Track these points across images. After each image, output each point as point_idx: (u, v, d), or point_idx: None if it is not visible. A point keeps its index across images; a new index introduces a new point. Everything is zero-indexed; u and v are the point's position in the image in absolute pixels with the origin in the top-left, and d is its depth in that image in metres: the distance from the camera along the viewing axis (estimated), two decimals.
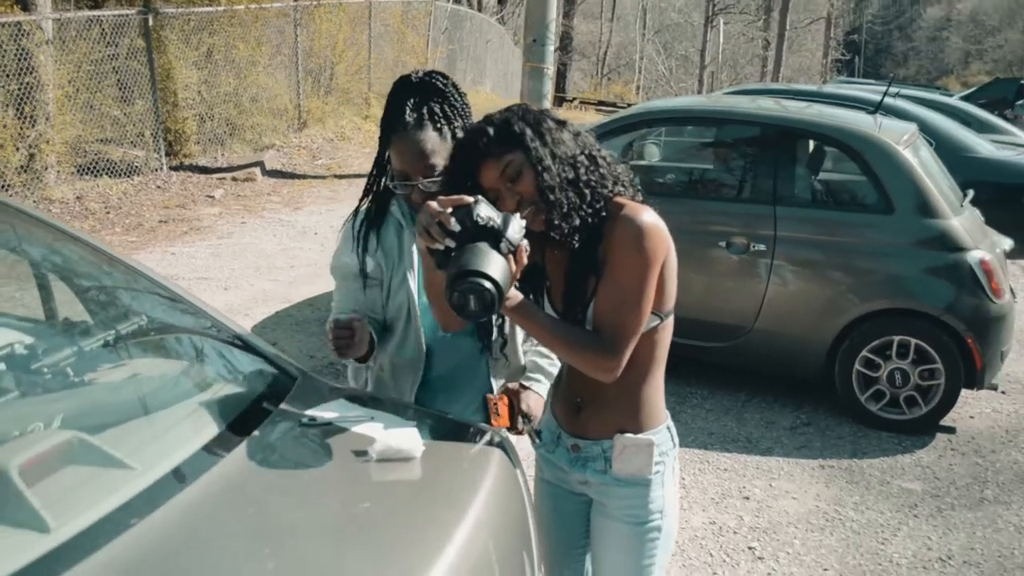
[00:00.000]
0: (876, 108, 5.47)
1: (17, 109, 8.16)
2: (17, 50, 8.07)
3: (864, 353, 4.61)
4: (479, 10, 25.54)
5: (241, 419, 1.72)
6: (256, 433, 1.67)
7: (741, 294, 4.85)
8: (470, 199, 1.59)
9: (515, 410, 2.11)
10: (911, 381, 4.56)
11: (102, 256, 2.18)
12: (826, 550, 3.56)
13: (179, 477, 1.49)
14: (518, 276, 1.63)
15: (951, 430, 4.71)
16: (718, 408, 4.88)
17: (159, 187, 9.47)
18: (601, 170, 1.75)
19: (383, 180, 2.11)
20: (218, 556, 1.35)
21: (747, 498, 3.94)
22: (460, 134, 2.00)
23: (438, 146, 1.98)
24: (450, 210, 1.58)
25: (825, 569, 3.43)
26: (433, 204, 1.59)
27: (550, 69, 7.97)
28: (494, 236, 1.57)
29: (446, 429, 1.84)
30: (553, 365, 2.24)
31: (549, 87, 8.01)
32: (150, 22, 9.52)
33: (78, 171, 9.11)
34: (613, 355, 1.72)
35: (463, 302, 1.54)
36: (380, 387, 2.17)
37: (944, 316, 4.46)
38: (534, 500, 2.01)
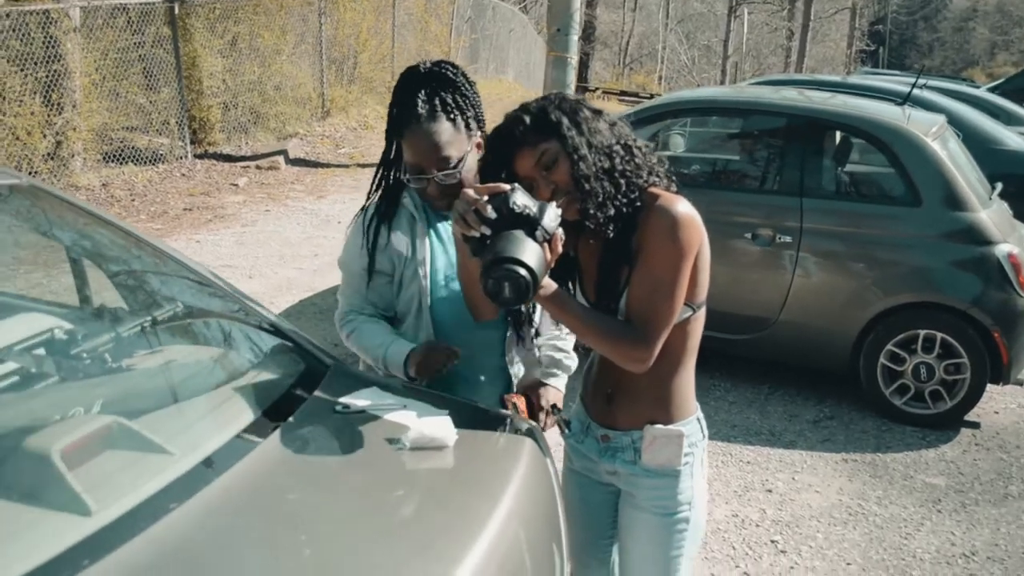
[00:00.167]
0: (904, 99, 5.43)
1: (44, 96, 8.22)
2: (45, 37, 8.13)
3: (889, 347, 4.59)
4: None
5: (276, 406, 1.74)
6: (291, 420, 1.69)
7: (766, 286, 4.83)
8: (506, 187, 1.59)
9: (533, 408, 2.10)
10: (936, 375, 4.53)
11: (134, 240, 2.20)
12: (849, 544, 3.56)
13: (217, 463, 1.51)
14: (552, 264, 1.63)
15: (976, 425, 4.68)
16: (741, 400, 4.87)
17: (184, 175, 9.54)
18: (636, 160, 1.75)
19: (392, 174, 2.06)
20: (256, 541, 1.37)
21: (770, 491, 3.94)
22: (472, 124, 1.99)
23: (452, 137, 1.94)
24: (486, 198, 1.58)
25: (848, 563, 3.43)
26: (470, 192, 1.59)
27: (574, 58, 7.92)
28: (530, 224, 1.57)
29: (478, 418, 1.84)
30: (568, 359, 2.24)
31: (572, 77, 7.95)
32: (176, 10, 9.56)
33: (104, 158, 9.18)
34: (645, 345, 1.72)
35: (498, 289, 1.54)
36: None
37: (971, 310, 4.42)
38: (563, 490, 2.01)
